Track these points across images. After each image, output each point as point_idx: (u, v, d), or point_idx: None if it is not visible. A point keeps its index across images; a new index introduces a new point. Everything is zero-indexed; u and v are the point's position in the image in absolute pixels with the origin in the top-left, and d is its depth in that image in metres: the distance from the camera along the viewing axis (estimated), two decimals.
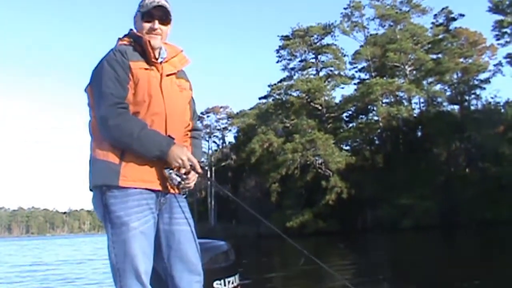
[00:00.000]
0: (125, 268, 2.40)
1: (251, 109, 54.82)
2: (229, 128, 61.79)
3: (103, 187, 2.45)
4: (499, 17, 40.99)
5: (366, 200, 38.61)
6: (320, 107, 46.65)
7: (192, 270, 2.59)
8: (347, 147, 46.11)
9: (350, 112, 48.42)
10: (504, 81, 59.17)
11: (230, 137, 63.00)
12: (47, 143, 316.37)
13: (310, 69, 49.63)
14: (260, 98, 52.88)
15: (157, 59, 2.61)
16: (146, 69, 2.56)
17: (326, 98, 47.46)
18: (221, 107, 63.44)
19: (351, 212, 38.40)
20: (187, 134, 2.80)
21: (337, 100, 48.98)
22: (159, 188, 2.55)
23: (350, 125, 48.70)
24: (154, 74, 2.58)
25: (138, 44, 2.61)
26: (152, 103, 2.54)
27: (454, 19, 46.53)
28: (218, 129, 63.30)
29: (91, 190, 2.58)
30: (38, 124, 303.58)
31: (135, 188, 2.46)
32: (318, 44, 49.05)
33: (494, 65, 43.75)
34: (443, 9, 46.84)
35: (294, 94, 47.01)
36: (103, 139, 2.49)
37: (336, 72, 48.55)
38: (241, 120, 54.55)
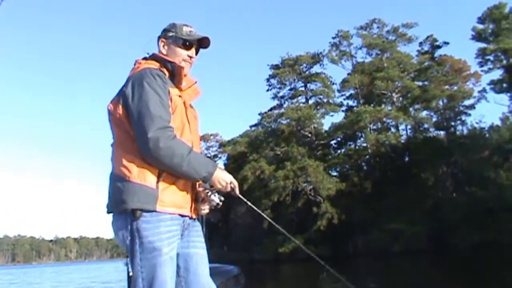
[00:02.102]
0: None
1: (241, 136, 55.19)
2: (219, 155, 62.08)
3: (137, 211, 2.41)
4: (482, 45, 41.94)
5: (356, 225, 38.92)
6: (309, 135, 47.04)
7: None
8: (335, 173, 46.31)
9: (339, 139, 48.77)
10: (488, 107, 60.29)
11: (220, 165, 63.08)
12: (31, 170, 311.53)
13: (299, 97, 50.00)
14: (251, 126, 53.28)
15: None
16: (179, 96, 2.62)
17: (315, 125, 47.83)
18: (211, 135, 63.82)
19: (342, 237, 38.68)
20: None
21: (325, 127, 49.35)
22: (189, 213, 2.61)
23: (339, 151, 49.04)
24: (182, 101, 2.64)
25: (167, 69, 2.64)
26: (184, 130, 2.60)
27: (439, 46, 47.33)
28: (208, 157, 63.35)
29: (110, 212, 2.55)
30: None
31: (168, 213, 2.47)
32: (307, 72, 49.56)
33: (479, 92, 44.50)
34: (428, 37, 47.67)
35: (284, 122, 47.40)
36: (140, 161, 2.45)
37: (325, 100, 49.00)
38: (232, 147, 54.88)
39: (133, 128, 2.48)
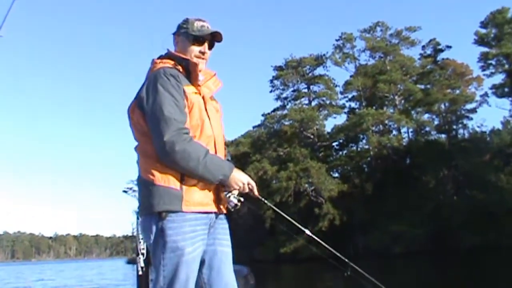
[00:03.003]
0: None
1: (243, 136, 55.22)
2: None
3: (163, 213, 2.42)
4: (484, 49, 42.14)
5: (357, 226, 39.08)
6: (312, 136, 47.08)
7: None
8: (337, 175, 46.47)
9: (341, 141, 48.91)
10: (489, 111, 60.43)
11: None
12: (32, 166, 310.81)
13: (302, 99, 50.18)
14: (254, 127, 53.44)
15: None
16: (195, 93, 2.59)
17: (318, 127, 47.89)
18: None
19: (343, 238, 38.77)
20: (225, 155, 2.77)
21: (328, 129, 49.46)
22: (215, 210, 2.58)
23: (341, 153, 49.30)
24: (199, 98, 2.61)
25: (182, 67, 2.62)
26: (204, 127, 2.58)
27: (441, 50, 47.58)
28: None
29: (140, 215, 2.58)
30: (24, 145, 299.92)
31: (193, 212, 2.47)
32: (310, 74, 49.79)
33: (480, 96, 44.75)
34: (430, 40, 47.92)
35: (287, 123, 47.52)
36: (162, 164, 2.46)
37: (328, 102, 49.16)
38: (234, 148, 55.01)
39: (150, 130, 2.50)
